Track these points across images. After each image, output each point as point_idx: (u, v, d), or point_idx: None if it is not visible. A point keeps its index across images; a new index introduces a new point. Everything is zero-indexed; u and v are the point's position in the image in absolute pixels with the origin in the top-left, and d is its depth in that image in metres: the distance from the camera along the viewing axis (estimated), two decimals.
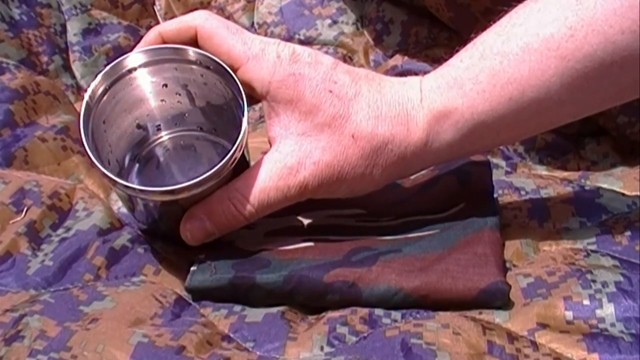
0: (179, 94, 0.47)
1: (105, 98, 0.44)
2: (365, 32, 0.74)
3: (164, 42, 0.45)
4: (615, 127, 0.60)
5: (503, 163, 0.60)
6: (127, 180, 0.46)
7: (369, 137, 0.43)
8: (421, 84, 0.45)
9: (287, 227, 0.49)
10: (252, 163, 0.57)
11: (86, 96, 0.43)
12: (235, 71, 0.44)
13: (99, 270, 0.45)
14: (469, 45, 0.44)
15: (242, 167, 0.44)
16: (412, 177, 0.56)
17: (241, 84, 0.43)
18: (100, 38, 0.73)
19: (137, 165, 0.49)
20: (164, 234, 0.48)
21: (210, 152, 0.50)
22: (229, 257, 0.44)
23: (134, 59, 0.45)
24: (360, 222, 0.50)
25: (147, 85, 0.46)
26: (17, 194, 0.50)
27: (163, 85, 0.47)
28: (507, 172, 0.59)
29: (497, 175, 0.56)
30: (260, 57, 0.44)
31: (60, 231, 0.48)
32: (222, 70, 0.44)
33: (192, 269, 0.44)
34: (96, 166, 0.41)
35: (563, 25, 0.41)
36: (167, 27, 0.45)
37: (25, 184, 0.50)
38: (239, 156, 0.43)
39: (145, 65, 0.45)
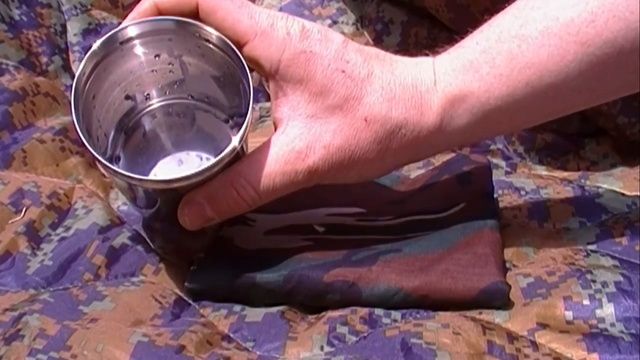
0: (172, 64, 0.45)
1: (95, 73, 0.42)
2: (365, 33, 0.74)
3: (160, 14, 0.42)
4: (615, 128, 0.60)
5: (503, 163, 0.60)
6: (113, 153, 0.45)
7: (383, 121, 0.41)
8: (434, 66, 0.43)
9: (287, 226, 0.49)
10: None
11: (77, 74, 0.41)
12: (241, 47, 0.41)
13: (98, 269, 0.45)
14: (484, 27, 0.43)
15: (239, 154, 0.42)
16: (412, 177, 0.56)
17: (248, 61, 0.41)
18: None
19: (123, 136, 0.47)
20: (165, 220, 0.46)
21: (201, 120, 0.48)
22: (229, 256, 0.44)
23: (126, 32, 0.42)
24: (360, 221, 0.50)
25: (138, 56, 0.44)
26: (16, 194, 0.50)
27: (155, 56, 0.44)
28: (507, 172, 0.59)
29: (497, 175, 0.56)
30: (268, 32, 0.41)
31: (59, 230, 0.48)
32: (226, 47, 0.41)
33: (192, 268, 0.44)
34: (90, 151, 0.39)
35: (584, 10, 0.40)
36: None
37: (24, 185, 0.50)
38: (240, 146, 0.41)
39: (138, 37, 0.43)
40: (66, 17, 0.72)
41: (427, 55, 0.45)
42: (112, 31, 0.42)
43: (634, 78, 0.42)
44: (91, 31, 0.73)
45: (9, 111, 0.58)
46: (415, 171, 0.58)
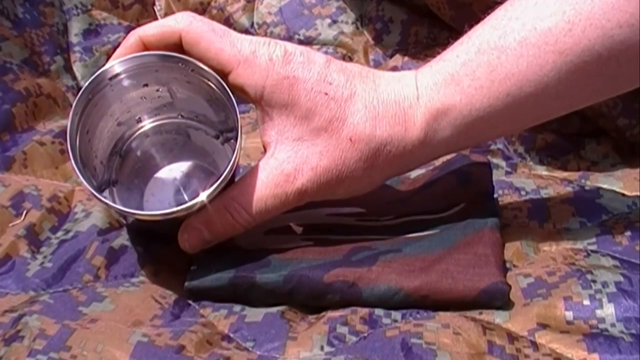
0: (159, 91, 0.46)
1: (87, 110, 0.43)
2: (365, 32, 0.74)
3: (145, 48, 0.43)
4: (615, 129, 0.60)
5: (503, 163, 0.60)
6: (110, 178, 0.46)
7: (367, 140, 0.43)
8: (417, 81, 0.44)
9: (287, 226, 0.49)
10: (252, 164, 0.58)
11: (70, 116, 0.42)
12: (225, 76, 0.43)
13: (98, 270, 0.45)
14: (464, 39, 0.44)
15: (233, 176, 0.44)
16: (412, 177, 0.56)
17: (233, 89, 0.42)
18: (101, 38, 0.73)
19: (119, 159, 0.48)
20: (163, 237, 0.48)
21: (193, 136, 0.49)
22: (229, 256, 0.44)
23: (113, 69, 0.43)
24: (360, 221, 0.50)
25: (127, 88, 0.45)
26: (17, 197, 0.50)
27: (144, 85, 0.46)
28: (507, 173, 0.59)
29: (497, 176, 0.56)
30: (251, 60, 0.42)
31: (59, 234, 0.48)
32: (211, 77, 0.43)
33: (192, 268, 0.44)
34: (88, 189, 0.41)
35: (561, 19, 0.41)
36: (149, 31, 0.43)
37: (24, 188, 0.50)
38: (229, 176, 0.42)
39: (124, 72, 0.44)
40: (67, 16, 0.72)
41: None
42: (100, 70, 0.43)
43: (612, 83, 0.43)
44: (92, 31, 0.73)
45: (12, 112, 0.58)
46: (415, 171, 0.58)
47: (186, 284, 0.43)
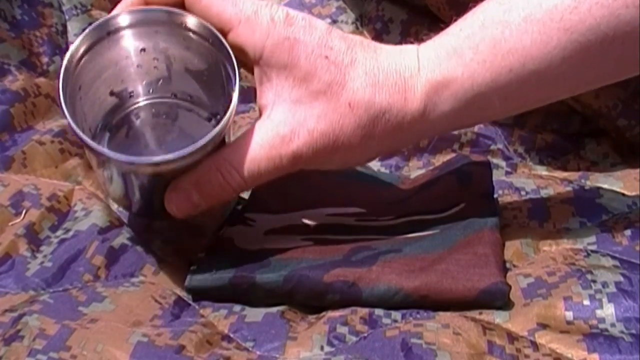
0: (157, 59, 0.45)
1: (83, 62, 0.42)
2: (365, 32, 0.74)
3: (146, 3, 0.43)
4: (615, 129, 0.60)
5: (503, 163, 0.60)
6: None
7: (366, 106, 0.42)
8: (419, 53, 0.43)
9: (286, 226, 0.49)
10: None
11: (65, 58, 0.41)
12: (225, 35, 0.42)
13: (98, 270, 0.45)
14: (469, 14, 0.43)
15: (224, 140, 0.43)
16: (412, 177, 0.56)
17: (232, 49, 0.41)
18: None
19: (107, 134, 0.47)
20: (160, 217, 0.46)
21: (184, 120, 0.49)
22: (228, 256, 0.44)
23: (117, 21, 0.42)
24: (360, 221, 0.50)
25: (125, 49, 0.44)
26: (16, 196, 0.50)
27: (141, 50, 0.45)
28: (507, 173, 0.59)
29: (497, 176, 0.56)
30: (253, 20, 0.41)
31: (59, 233, 0.48)
32: (211, 36, 0.42)
33: (191, 268, 0.44)
34: (72, 128, 0.40)
35: None
36: None
37: (23, 187, 0.50)
38: (226, 131, 0.41)
39: (127, 27, 0.43)
40: (67, 17, 0.72)
41: (412, 42, 0.45)
42: (103, 18, 0.42)
43: (616, 66, 0.42)
44: None
45: (11, 112, 0.58)
46: (415, 171, 0.58)
47: (186, 284, 0.43)
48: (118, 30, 0.43)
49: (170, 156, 0.40)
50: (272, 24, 0.41)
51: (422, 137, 0.45)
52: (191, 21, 0.42)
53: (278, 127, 0.41)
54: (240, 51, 0.42)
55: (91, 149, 0.41)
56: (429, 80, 0.42)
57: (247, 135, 0.42)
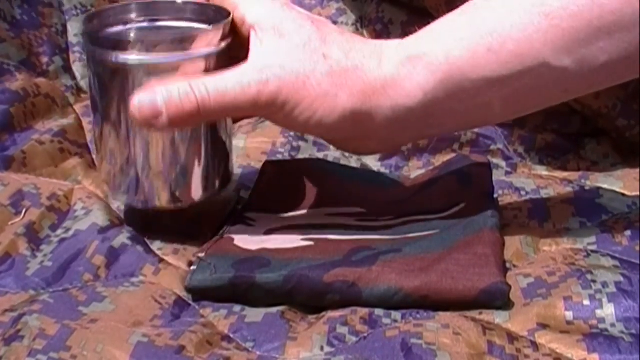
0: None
1: None
2: (365, 33, 0.74)
3: None
4: (615, 130, 0.60)
5: (503, 163, 0.60)
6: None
7: (339, 59, 0.44)
8: (400, 40, 0.46)
9: (286, 226, 0.49)
10: (252, 164, 0.58)
11: None
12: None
13: (98, 269, 0.45)
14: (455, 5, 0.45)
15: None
16: (412, 177, 0.56)
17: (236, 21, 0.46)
18: None
19: None
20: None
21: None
22: (228, 256, 0.44)
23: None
24: (360, 221, 0.50)
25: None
26: (16, 195, 0.50)
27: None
28: (507, 173, 0.59)
29: (497, 176, 0.56)
30: None
31: (59, 232, 0.48)
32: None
33: (191, 268, 0.44)
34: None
35: None
36: None
37: (23, 186, 0.50)
38: (224, 44, 0.46)
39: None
40: (67, 17, 0.72)
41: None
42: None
43: (606, 58, 0.42)
44: None
45: (11, 112, 0.58)
46: (415, 171, 0.58)
47: (186, 284, 0.43)
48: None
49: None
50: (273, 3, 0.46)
51: (397, 107, 0.44)
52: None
53: (254, 63, 0.44)
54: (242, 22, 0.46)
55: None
56: (405, 51, 0.44)
57: (225, 70, 0.44)
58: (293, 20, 0.45)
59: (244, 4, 0.46)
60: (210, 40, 0.45)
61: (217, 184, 0.49)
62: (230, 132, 0.50)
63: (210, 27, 0.46)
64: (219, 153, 0.49)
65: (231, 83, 0.43)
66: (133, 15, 0.49)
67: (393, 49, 0.45)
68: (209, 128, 0.47)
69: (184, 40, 0.44)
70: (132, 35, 0.48)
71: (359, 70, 0.44)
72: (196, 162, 0.47)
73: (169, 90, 0.43)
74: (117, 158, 0.47)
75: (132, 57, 0.44)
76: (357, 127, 0.45)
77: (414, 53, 0.44)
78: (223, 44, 0.46)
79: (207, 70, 0.45)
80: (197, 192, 0.48)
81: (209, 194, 0.48)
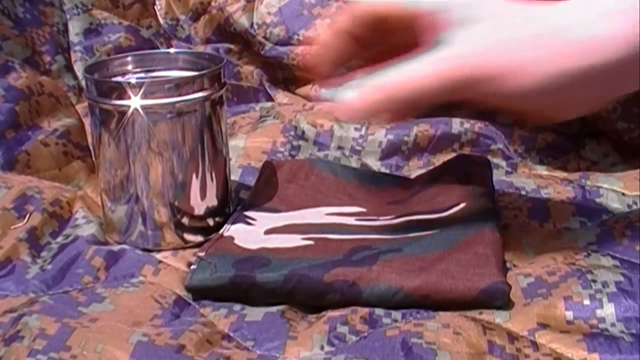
0: None
1: None
2: None
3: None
4: (614, 132, 0.60)
5: (503, 163, 0.60)
6: None
7: (539, 25, 0.42)
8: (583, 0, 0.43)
9: (287, 225, 0.49)
10: (252, 164, 0.58)
11: None
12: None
13: (97, 271, 0.45)
14: None
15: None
16: (412, 176, 0.56)
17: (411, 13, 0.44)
18: (102, 38, 0.73)
19: None
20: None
21: None
22: (229, 255, 0.44)
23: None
24: (360, 221, 0.50)
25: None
26: (19, 199, 0.50)
27: None
28: (507, 172, 0.59)
29: (498, 175, 0.56)
30: None
31: (59, 239, 0.48)
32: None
33: (192, 267, 0.44)
34: None
35: None
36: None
37: (27, 190, 0.50)
38: None
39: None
40: (68, 16, 0.72)
41: None
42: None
43: None
44: (92, 31, 0.73)
45: (16, 110, 0.58)
46: (415, 171, 0.58)
47: (186, 283, 0.43)
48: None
49: None
50: None
51: (610, 67, 0.42)
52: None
53: (453, 47, 0.41)
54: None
55: None
56: (597, 8, 0.42)
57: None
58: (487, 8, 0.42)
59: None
60: (204, 85, 0.47)
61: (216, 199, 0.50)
62: (226, 140, 0.50)
63: (204, 72, 0.48)
64: (218, 171, 0.50)
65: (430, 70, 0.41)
66: (129, 67, 0.51)
67: (582, 8, 0.42)
68: (208, 143, 0.48)
69: (179, 87, 0.46)
70: (131, 83, 0.49)
71: (560, 33, 0.41)
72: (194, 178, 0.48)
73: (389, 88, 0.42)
74: (117, 170, 0.47)
75: (131, 102, 0.45)
76: (565, 91, 0.42)
77: (610, 7, 0.41)
78: (217, 88, 0.48)
79: (203, 113, 0.47)
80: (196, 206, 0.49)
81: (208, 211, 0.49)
